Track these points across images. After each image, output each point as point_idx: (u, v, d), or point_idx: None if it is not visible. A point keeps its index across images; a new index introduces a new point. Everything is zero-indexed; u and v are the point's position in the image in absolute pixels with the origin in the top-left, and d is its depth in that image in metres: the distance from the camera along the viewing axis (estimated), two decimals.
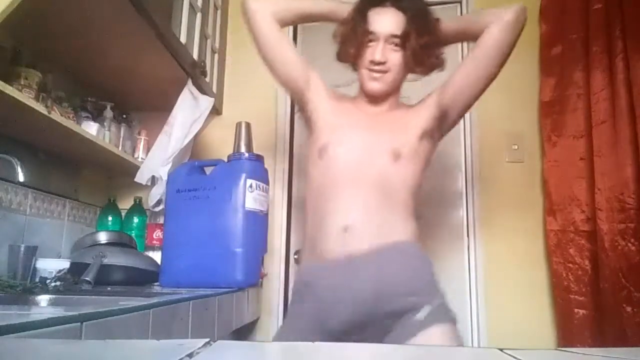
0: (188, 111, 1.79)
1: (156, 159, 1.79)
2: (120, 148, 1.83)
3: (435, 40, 1.24)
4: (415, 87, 1.36)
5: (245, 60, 2.14)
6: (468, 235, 1.98)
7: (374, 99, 1.26)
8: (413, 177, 1.21)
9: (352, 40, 1.23)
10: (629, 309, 1.67)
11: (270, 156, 1.97)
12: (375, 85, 1.23)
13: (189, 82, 1.81)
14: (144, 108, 2.04)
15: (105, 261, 1.45)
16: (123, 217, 1.99)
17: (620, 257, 1.71)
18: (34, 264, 1.41)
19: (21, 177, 1.29)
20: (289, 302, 1.33)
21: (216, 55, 2.10)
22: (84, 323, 0.66)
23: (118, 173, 1.97)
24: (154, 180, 1.79)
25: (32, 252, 1.41)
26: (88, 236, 1.69)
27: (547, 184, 1.90)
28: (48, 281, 1.31)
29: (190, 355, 0.42)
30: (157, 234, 1.84)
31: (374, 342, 1.10)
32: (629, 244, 1.71)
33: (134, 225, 1.96)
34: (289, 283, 2.00)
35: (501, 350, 0.49)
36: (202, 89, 1.87)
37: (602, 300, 1.73)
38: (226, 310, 1.42)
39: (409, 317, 1.08)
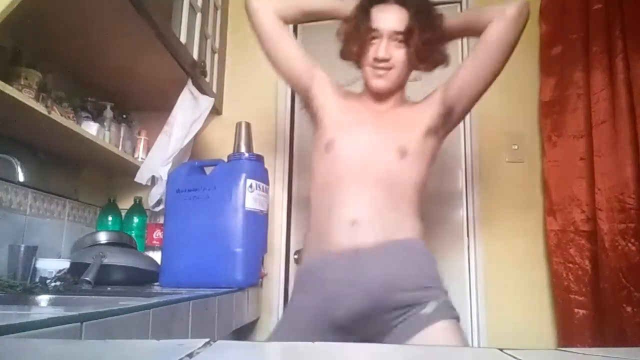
0: (188, 111, 1.79)
1: (156, 159, 1.79)
2: (120, 148, 1.83)
3: (439, 36, 1.24)
4: (415, 86, 1.36)
5: (245, 60, 2.14)
6: (468, 235, 1.98)
7: (379, 96, 1.26)
8: (419, 174, 1.21)
9: (355, 37, 1.23)
10: (629, 309, 1.67)
11: (270, 156, 1.96)
12: (379, 82, 1.23)
13: (189, 82, 1.81)
14: (144, 108, 2.04)
15: (105, 261, 1.45)
16: (123, 217, 1.99)
17: (620, 257, 1.71)
18: (34, 264, 1.41)
19: (21, 177, 1.29)
20: (291, 292, 1.32)
21: (216, 55, 2.09)
22: (84, 323, 0.66)
23: (118, 173, 1.97)
24: (154, 180, 1.79)
25: (32, 252, 1.41)
26: (88, 236, 1.69)
27: (547, 184, 1.90)
28: (48, 281, 1.31)
29: (190, 355, 0.42)
30: (157, 234, 1.84)
31: (378, 335, 1.10)
32: (629, 244, 1.71)
33: (134, 225, 1.96)
34: (289, 283, 2.00)
35: (501, 350, 0.49)
36: (202, 89, 1.87)
37: (602, 300, 1.73)
38: (226, 310, 1.42)
39: (416, 312, 1.08)
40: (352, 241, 1.13)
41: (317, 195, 1.25)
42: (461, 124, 1.94)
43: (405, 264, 1.13)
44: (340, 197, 1.17)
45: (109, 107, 1.82)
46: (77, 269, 1.42)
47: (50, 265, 1.45)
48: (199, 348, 0.45)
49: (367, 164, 1.18)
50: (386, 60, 1.20)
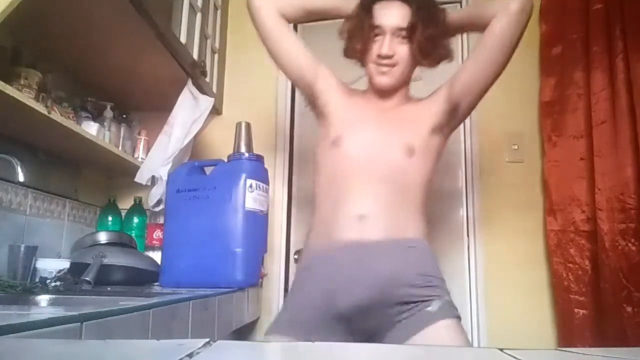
0: (188, 111, 1.79)
1: (156, 159, 1.79)
2: (120, 148, 1.83)
3: (442, 31, 1.24)
4: (417, 85, 1.36)
5: (245, 60, 2.14)
6: (468, 235, 1.98)
7: (384, 93, 1.26)
8: (425, 172, 1.22)
9: (358, 35, 1.23)
10: (629, 309, 1.67)
11: (270, 156, 1.96)
12: (384, 79, 1.23)
13: (189, 82, 1.81)
14: (144, 108, 2.04)
15: (105, 261, 1.45)
16: (123, 217, 1.99)
17: (620, 257, 1.71)
18: (34, 264, 1.41)
19: (21, 177, 1.29)
20: (294, 279, 1.31)
21: (216, 55, 2.09)
22: (84, 323, 0.66)
23: (118, 173, 1.97)
24: (154, 180, 1.79)
25: (32, 252, 1.41)
26: (88, 236, 1.69)
27: (547, 184, 1.90)
28: (48, 281, 1.31)
29: (190, 355, 0.42)
30: (157, 234, 1.84)
31: (381, 330, 1.11)
32: (629, 244, 1.71)
33: (134, 225, 1.96)
34: (289, 283, 2.00)
35: (501, 350, 0.49)
36: (202, 89, 1.87)
37: (603, 300, 1.73)
38: (226, 310, 1.42)
39: (420, 309, 1.09)
40: (358, 235, 1.13)
41: (323, 189, 1.24)
42: (461, 124, 1.95)
43: (410, 261, 1.14)
44: (347, 192, 1.18)
45: (109, 107, 1.82)
46: (77, 269, 1.42)
47: (50, 265, 1.45)
48: (199, 348, 0.45)
49: (375, 161, 1.19)
50: (390, 57, 1.20)
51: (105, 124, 1.76)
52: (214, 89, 2.05)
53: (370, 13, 1.22)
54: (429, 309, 1.09)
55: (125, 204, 2.02)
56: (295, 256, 2.00)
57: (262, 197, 1.61)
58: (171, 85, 1.77)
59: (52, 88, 1.48)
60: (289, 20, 1.31)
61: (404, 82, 1.27)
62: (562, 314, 1.81)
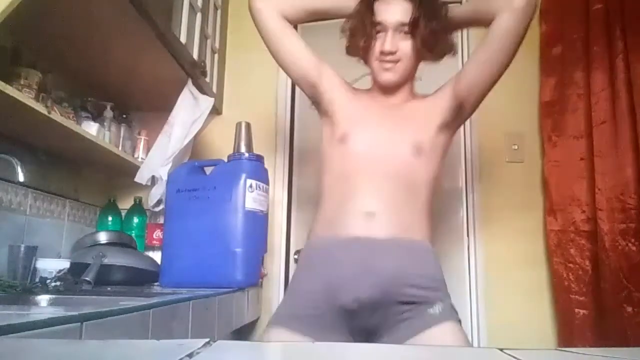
0: (188, 111, 1.79)
1: (156, 159, 1.79)
2: (120, 148, 1.83)
3: (445, 25, 1.24)
4: (417, 85, 1.36)
5: (245, 60, 2.14)
6: (468, 235, 1.98)
7: (388, 89, 1.26)
8: (432, 170, 1.22)
9: (360, 33, 1.23)
10: (629, 309, 1.67)
11: (270, 156, 1.96)
12: (388, 76, 1.23)
13: (189, 82, 1.80)
14: (144, 108, 2.04)
15: (105, 261, 1.45)
16: (123, 217, 1.99)
17: (620, 257, 1.71)
18: (34, 264, 1.41)
19: (21, 177, 1.29)
20: (294, 272, 1.30)
21: (216, 55, 2.09)
22: (84, 323, 0.66)
23: (118, 173, 1.97)
24: (154, 180, 1.79)
25: (32, 252, 1.41)
26: (88, 236, 1.69)
27: (547, 184, 1.90)
28: (48, 281, 1.31)
29: (190, 355, 0.42)
30: (157, 234, 1.84)
31: (382, 328, 1.11)
32: (630, 244, 1.71)
33: (134, 225, 1.96)
34: (289, 283, 2.00)
35: (501, 350, 0.49)
36: (202, 89, 1.87)
37: (603, 301, 1.73)
38: (226, 310, 1.42)
39: (422, 310, 1.09)
40: (366, 232, 1.13)
41: (329, 187, 1.24)
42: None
43: (414, 262, 1.14)
44: (354, 189, 1.17)
45: (109, 107, 1.82)
46: (77, 269, 1.42)
47: (50, 265, 1.45)
48: (199, 348, 0.45)
49: (382, 159, 1.19)
50: (393, 53, 1.20)
51: (105, 124, 1.76)
52: (214, 89, 2.05)
53: (371, 10, 1.21)
54: (430, 310, 1.09)
55: (125, 204, 2.02)
56: (295, 256, 2.00)
57: (262, 197, 1.61)
58: (171, 85, 1.77)
59: (52, 88, 1.48)
60: (290, 21, 1.30)
61: (408, 78, 1.26)
62: (562, 314, 1.81)
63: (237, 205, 1.54)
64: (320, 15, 1.35)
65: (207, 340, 0.48)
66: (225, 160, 1.67)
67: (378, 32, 1.21)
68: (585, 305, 1.77)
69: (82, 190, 1.87)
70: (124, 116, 1.93)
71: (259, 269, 1.69)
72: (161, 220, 1.80)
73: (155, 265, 1.63)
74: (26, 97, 1.23)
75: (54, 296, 1.16)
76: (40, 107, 1.26)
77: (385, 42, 1.19)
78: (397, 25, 1.19)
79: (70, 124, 1.43)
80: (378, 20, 1.20)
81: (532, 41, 1.96)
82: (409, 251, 1.14)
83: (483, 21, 1.21)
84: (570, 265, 1.82)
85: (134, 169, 1.80)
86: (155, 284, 1.61)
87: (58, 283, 1.30)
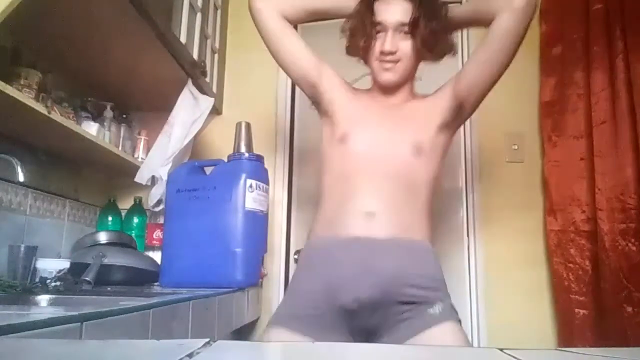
0: (188, 111, 1.79)
1: (156, 159, 1.79)
2: (120, 148, 1.83)
3: (445, 25, 1.24)
4: (417, 85, 1.36)
5: (245, 60, 2.14)
6: (468, 235, 1.98)
7: (388, 89, 1.26)
8: (432, 170, 1.22)
9: (360, 33, 1.23)
10: (629, 309, 1.67)
11: (270, 156, 1.96)
12: (388, 76, 1.23)
13: (189, 82, 1.80)
14: (144, 108, 2.04)
15: (105, 261, 1.45)
16: (123, 217, 1.99)
17: (620, 257, 1.71)
18: (34, 264, 1.41)
19: (21, 177, 1.29)
20: (294, 273, 1.29)
21: (216, 55, 2.09)
22: (84, 323, 0.66)
23: (118, 173, 1.97)
24: (154, 180, 1.79)
25: (32, 252, 1.41)
26: (88, 236, 1.69)
27: (547, 184, 1.90)
28: (48, 281, 1.31)
29: (190, 355, 0.42)
30: (157, 234, 1.84)
31: (382, 328, 1.11)
32: (630, 244, 1.71)
33: (134, 225, 1.96)
34: (289, 283, 2.00)
35: (501, 350, 0.49)
36: (202, 89, 1.87)
37: (603, 301, 1.73)
38: (226, 310, 1.42)
39: (423, 310, 1.09)
40: (366, 232, 1.13)
41: (329, 187, 1.24)
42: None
43: (414, 262, 1.14)
44: (354, 189, 1.17)
45: (109, 107, 1.82)
46: (77, 269, 1.42)
47: (50, 265, 1.45)
48: (199, 348, 0.45)
49: (382, 160, 1.19)
50: (393, 53, 1.20)
51: (105, 124, 1.76)
52: (214, 89, 2.05)
53: (371, 10, 1.21)
54: (430, 310, 1.09)
55: (125, 204, 2.02)
56: (295, 256, 2.00)
57: (262, 197, 1.61)
58: (171, 85, 1.77)
59: (52, 88, 1.48)
60: (290, 21, 1.30)
61: (408, 78, 1.26)
62: (562, 314, 1.81)
63: (237, 205, 1.54)
64: (320, 16, 1.35)
65: (207, 340, 0.48)
66: (225, 160, 1.67)
67: (378, 32, 1.21)
68: (585, 305, 1.77)
69: (82, 190, 1.87)
70: (124, 116, 1.93)
71: (259, 269, 1.69)
72: (161, 220, 1.80)
73: (155, 265, 1.63)
74: (26, 97, 1.23)
75: (54, 296, 1.16)
76: (40, 107, 1.26)
77: (385, 42, 1.19)
78: (397, 25, 1.19)
79: (70, 124, 1.43)
80: (378, 20, 1.20)
81: (532, 41, 1.96)
82: (409, 251, 1.14)
83: (483, 21, 1.21)
84: (570, 265, 1.82)
85: (134, 169, 1.80)
86: (155, 284, 1.61)
87: (58, 283, 1.30)
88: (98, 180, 1.99)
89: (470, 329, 1.89)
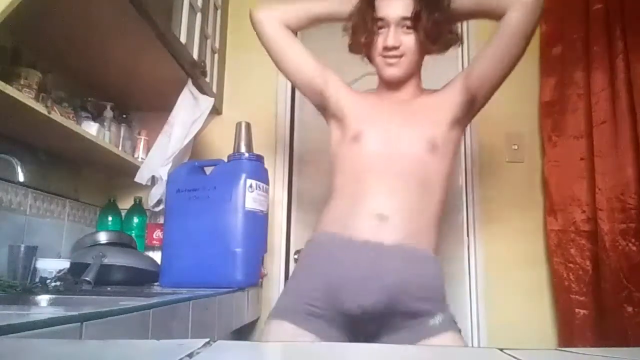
0: (188, 111, 1.79)
1: (156, 159, 1.79)
2: (120, 148, 1.83)
3: (447, 16, 1.23)
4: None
5: (245, 60, 2.14)
6: (468, 235, 1.97)
7: (394, 85, 1.25)
8: (445, 167, 1.21)
9: (362, 29, 1.23)
10: (629, 309, 1.67)
11: (270, 156, 1.96)
12: (392, 71, 1.22)
13: (189, 82, 1.80)
14: (144, 108, 2.04)
15: (105, 261, 1.45)
16: (123, 217, 1.99)
17: (621, 257, 1.71)
18: (34, 264, 1.41)
19: (21, 177, 1.29)
20: (297, 264, 1.28)
21: (216, 55, 2.09)
22: (84, 323, 0.66)
23: (118, 173, 1.97)
24: (154, 180, 1.79)
25: (32, 252, 1.41)
26: (88, 236, 1.69)
27: (547, 184, 1.90)
28: (48, 281, 1.31)
29: (190, 355, 0.42)
30: (157, 234, 1.84)
31: (381, 333, 1.10)
32: (630, 244, 1.71)
33: (134, 225, 1.96)
34: (289, 278, 2.00)
35: (501, 350, 0.49)
36: (202, 89, 1.87)
37: (603, 301, 1.73)
38: (226, 310, 1.42)
39: (423, 321, 1.09)
40: (376, 235, 1.11)
41: (341, 186, 1.22)
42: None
43: (420, 274, 1.12)
44: (369, 187, 1.16)
45: (109, 107, 1.82)
46: (77, 269, 1.42)
47: (50, 265, 1.45)
48: (199, 348, 0.45)
49: (397, 157, 1.17)
50: (396, 48, 1.19)
51: (105, 124, 1.76)
52: (214, 89, 2.05)
53: (372, 6, 1.21)
54: (431, 321, 1.09)
55: (125, 204, 2.02)
56: (295, 256, 2.00)
57: (262, 197, 1.61)
58: (171, 85, 1.77)
59: (52, 88, 1.48)
60: (292, 29, 1.30)
61: (413, 72, 1.25)
62: (562, 314, 1.81)
63: (237, 205, 1.54)
64: (322, 21, 1.35)
65: (207, 340, 0.48)
66: (225, 160, 1.67)
67: (380, 27, 1.20)
68: (586, 305, 1.77)
69: (82, 190, 1.87)
70: (124, 116, 1.93)
71: (259, 269, 1.69)
72: (161, 220, 1.80)
73: (155, 265, 1.63)
74: (26, 97, 1.23)
75: (54, 296, 1.16)
76: (40, 107, 1.26)
77: (388, 37, 1.18)
78: (399, 20, 1.18)
79: (70, 124, 1.43)
80: (380, 16, 1.19)
81: (532, 41, 1.95)
82: (413, 261, 1.12)
83: (491, 14, 1.21)
84: (571, 265, 1.82)
85: (134, 169, 1.80)
86: (155, 284, 1.61)
87: (58, 283, 1.30)
88: (98, 180, 1.99)
89: (470, 329, 1.89)
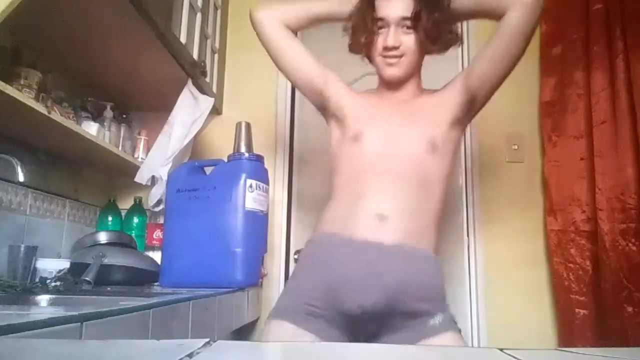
0: (188, 111, 1.79)
1: (156, 159, 1.79)
2: (120, 148, 1.83)
3: (447, 16, 1.23)
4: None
5: (245, 60, 2.14)
6: (468, 235, 1.98)
7: (394, 85, 1.25)
8: (446, 167, 1.21)
9: (362, 29, 1.23)
10: (629, 309, 1.67)
11: (270, 156, 1.96)
12: (392, 71, 1.22)
13: (189, 82, 1.81)
14: (144, 108, 2.04)
15: (105, 261, 1.45)
16: (123, 217, 1.99)
17: (621, 257, 1.71)
18: (34, 264, 1.41)
19: (21, 177, 1.29)
20: (297, 264, 1.28)
21: (216, 55, 2.09)
22: (84, 323, 0.66)
23: (118, 173, 1.97)
24: (154, 180, 1.79)
25: (32, 252, 1.41)
26: (88, 236, 1.69)
27: (547, 184, 1.90)
28: (48, 281, 1.31)
29: (190, 355, 0.42)
30: (157, 234, 1.84)
31: (381, 333, 1.10)
32: (630, 244, 1.71)
33: (134, 225, 1.96)
34: (289, 277, 2.00)
35: (501, 350, 0.49)
36: (202, 89, 1.87)
37: (603, 301, 1.73)
38: (226, 310, 1.42)
39: (423, 322, 1.09)
40: (375, 235, 1.11)
41: (342, 184, 1.22)
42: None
43: (420, 274, 1.12)
44: (367, 188, 1.16)
45: (109, 107, 1.82)
46: (77, 269, 1.42)
47: (50, 265, 1.45)
48: (199, 348, 0.45)
49: (396, 156, 1.17)
50: (396, 48, 1.19)
51: (105, 124, 1.76)
52: (214, 89, 2.05)
53: (372, 6, 1.21)
54: (431, 322, 1.09)
55: (125, 204, 2.02)
56: (295, 256, 2.00)
57: (262, 197, 1.61)
58: (171, 85, 1.77)
59: (52, 88, 1.48)
60: (292, 29, 1.30)
61: (413, 72, 1.25)
62: (562, 314, 1.81)
63: (237, 205, 1.54)
64: (322, 21, 1.35)
65: (207, 340, 0.48)
66: (225, 160, 1.67)
67: (380, 27, 1.20)
68: (586, 305, 1.77)
69: (82, 190, 1.87)
70: (124, 116, 1.93)
71: (259, 269, 1.69)
72: (161, 220, 1.80)
73: (155, 265, 1.63)
74: (26, 97, 1.23)
75: (54, 296, 1.16)
76: (40, 107, 1.26)
77: (388, 37, 1.18)
78: (399, 20, 1.18)
79: (70, 124, 1.43)
80: (380, 16, 1.19)
81: (532, 41, 1.95)
82: (414, 262, 1.12)
83: (491, 14, 1.21)
84: (571, 265, 1.82)
85: (134, 169, 1.80)
86: (155, 284, 1.61)
87: (58, 283, 1.30)
88: (98, 180, 1.99)
89: (470, 329, 1.89)
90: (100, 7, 1.36)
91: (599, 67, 1.84)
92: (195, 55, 1.81)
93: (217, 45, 2.09)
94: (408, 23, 1.18)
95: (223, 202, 1.55)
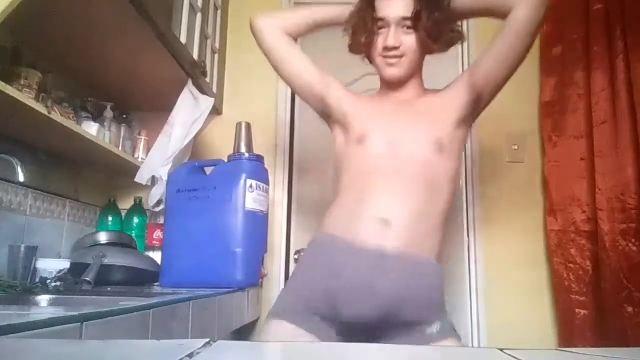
0: (188, 111, 1.79)
1: (156, 159, 1.79)
2: (120, 148, 1.83)
3: (448, 15, 1.22)
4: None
5: (245, 60, 2.14)
6: (468, 236, 1.98)
7: (395, 85, 1.25)
8: (453, 167, 1.20)
9: (362, 30, 1.22)
10: (629, 309, 1.67)
11: (270, 156, 1.96)
12: (392, 71, 1.21)
13: (189, 82, 1.81)
14: (144, 108, 2.04)
15: (105, 261, 1.45)
16: (123, 217, 1.99)
17: (621, 257, 1.71)
18: (34, 264, 1.41)
19: (21, 177, 1.29)
20: (297, 263, 1.28)
21: (216, 55, 2.09)
22: (84, 323, 0.66)
23: (118, 173, 1.97)
24: (154, 180, 1.79)
25: (32, 252, 1.41)
26: (88, 236, 1.69)
27: (547, 184, 1.90)
28: (48, 281, 1.31)
29: (190, 355, 0.42)
30: (157, 234, 1.84)
31: (380, 337, 1.10)
32: (630, 244, 1.71)
33: (134, 225, 1.96)
34: (289, 278, 2.00)
35: (501, 350, 0.49)
36: (202, 89, 1.87)
37: (603, 301, 1.73)
38: (226, 310, 1.42)
39: (421, 329, 1.08)
40: (378, 241, 1.09)
41: (347, 186, 1.21)
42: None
43: (418, 286, 1.11)
44: (374, 189, 1.14)
45: (109, 107, 1.82)
46: (77, 269, 1.42)
47: (50, 265, 1.45)
48: (199, 348, 0.45)
49: (403, 158, 1.16)
50: (396, 48, 1.18)
51: (105, 124, 1.76)
52: (214, 89, 2.05)
53: (372, 6, 1.20)
54: (429, 329, 1.08)
55: (125, 204, 2.02)
56: (295, 256, 2.00)
57: (262, 197, 1.61)
58: (171, 85, 1.77)
59: (52, 88, 1.48)
60: (292, 36, 1.30)
61: (414, 72, 1.24)
62: (562, 314, 1.82)
63: (237, 205, 1.54)
64: (322, 27, 1.34)
65: (207, 340, 0.48)
66: (225, 160, 1.67)
67: (380, 27, 1.20)
68: (586, 305, 1.77)
69: (82, 190, 1.87)
70: (124, 116, 1.93)
71: (259, 269, 1.69)
72: (161, 220, 1.80)
73: (155, 265, 1.63)
74: (26, 97, 1.23)
75: (54, 296, 1.16)
76: (40, 107, 1.26)
77: (388, 37, 1.18)
78: (399, 20, 1.18)
79: (70, 124, 1.43)
80: (380, 16, 1.19)
81: None
82: (414, 274, 1.10)
83: (495, 12, 1.20)
84: (571, 265, 1.82)
85: (134, 169, 1.80)
86: (155, 284, 1.61)
87: (58, 283, 1.30)
88: (98, 180, 1.99)
89: (470, 329, 1.89)
90: (100, 7, 1.36)
91: (599, 67, 1.85)
92: (195, 55, 1.81)
93: (217, 45, 2.09)
94: (408, 23, 1.18)
95: (223, 202, 1.55)
